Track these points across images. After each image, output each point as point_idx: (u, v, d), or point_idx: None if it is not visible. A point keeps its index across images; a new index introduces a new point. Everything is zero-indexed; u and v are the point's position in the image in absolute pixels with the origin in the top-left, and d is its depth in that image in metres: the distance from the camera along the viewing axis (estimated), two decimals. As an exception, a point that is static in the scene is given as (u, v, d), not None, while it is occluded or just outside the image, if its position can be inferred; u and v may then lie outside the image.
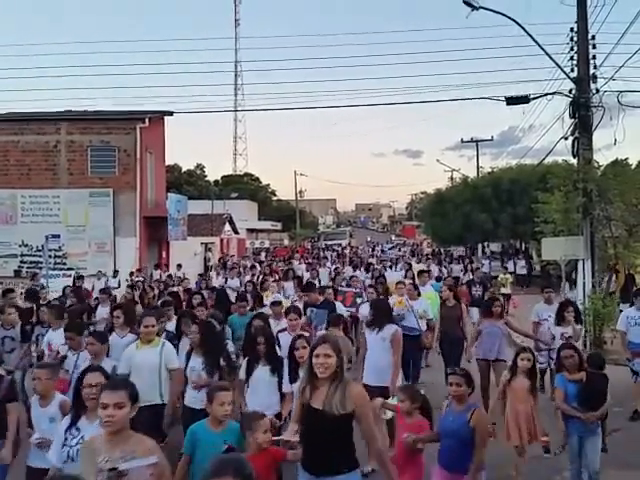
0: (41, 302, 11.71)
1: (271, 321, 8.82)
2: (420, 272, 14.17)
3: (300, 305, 10.69)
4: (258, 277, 19.11)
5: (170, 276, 21.88)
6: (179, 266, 25.39)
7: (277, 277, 19.93)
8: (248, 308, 10.55)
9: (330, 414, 4.21)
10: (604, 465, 6.67)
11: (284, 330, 8.22)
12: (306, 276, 19.57)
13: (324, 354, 4.28)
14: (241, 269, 23.04)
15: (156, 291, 16.10)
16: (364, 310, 10.44)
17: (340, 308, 10.81)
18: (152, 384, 6.76)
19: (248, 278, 18.67)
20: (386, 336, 7.67)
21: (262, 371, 6.62)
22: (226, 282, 18.45)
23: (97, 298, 13.66)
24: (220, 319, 8.53)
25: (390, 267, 23.96)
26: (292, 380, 6.19)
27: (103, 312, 11.69)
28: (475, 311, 15.57)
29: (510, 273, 26.14)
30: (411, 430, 5.37)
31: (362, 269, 23.49)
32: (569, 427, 6.41)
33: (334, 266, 25.50)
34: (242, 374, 6.74)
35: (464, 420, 5.22)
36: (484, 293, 16.44)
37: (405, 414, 5.50)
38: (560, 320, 9.44)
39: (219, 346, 7.14)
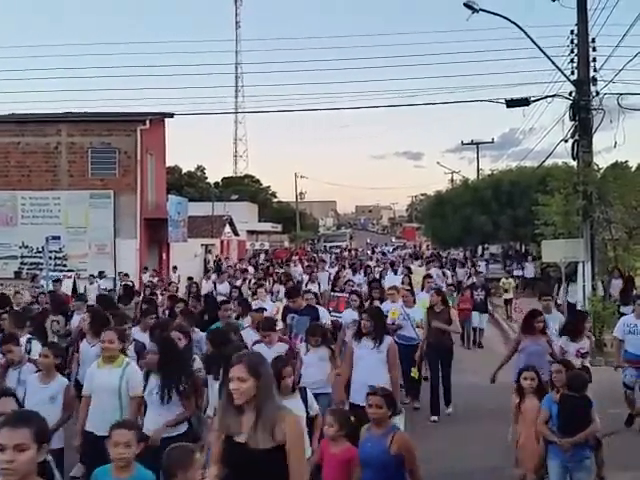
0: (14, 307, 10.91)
1: (250, 331, 8.31)
2: (424, 277, 13.75)
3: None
4: (250, 281, 18.12)
5: (161, 280, 21.18)
6: (174, 268, 25.02)
7: (272, 281, 19.33)
8: (235, 315, 9.77)
9: (255, 449, 3.50)
10: (606, 466, 6.68)
11: (260, 341, 7.48)
12: (305, 279, 19.02)
13: (237, 377, 3.53)
14: (235, 273, 21.97)
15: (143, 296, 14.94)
16: (347, 317, 10.05)
17: (324, 314, 9.98)
18: (112, 411, 5.81)
19: (239, 283, 17.73)
20: (382, 349, 7.02)
21: None
22: (215, 287, 17.60)
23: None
24: (186, 331, 7.35)
25: (394, 271, 22.30)
26: None
27: (77, 320, 10.21)
28: (476, 315, 15.66)
29: (517, 277, 25.87)
30: (338, 460, 4.82)
31: (361, 272, 22.73)
32: (550, 452, 5.86)
33: (334, 269, 24.82)
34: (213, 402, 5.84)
35: (384, 446, 4.67)
36: (486, 297, 16.30)
37: (330, 440, 4.91)
38: (575, 334, 8.26)
39: (179, 367, 6.06)
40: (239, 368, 3.58)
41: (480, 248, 39.31)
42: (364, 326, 7.18)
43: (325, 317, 9.90)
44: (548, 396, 6.03)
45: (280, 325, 9.52)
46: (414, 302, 10.46)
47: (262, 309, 9.40)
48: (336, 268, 24.92)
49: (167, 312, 11.36)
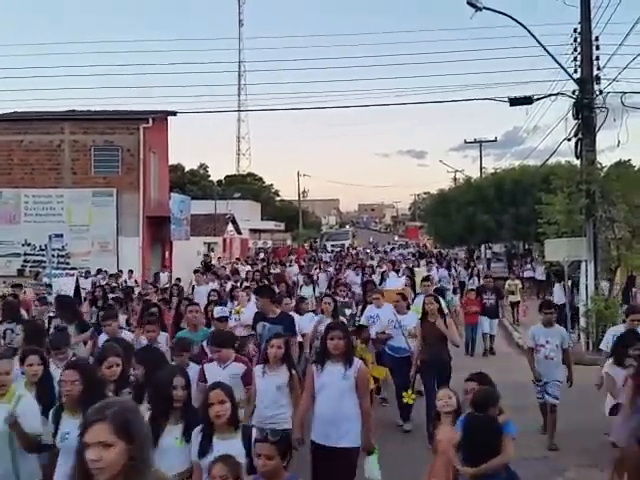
0: None
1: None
2: (422, 280, 12.48)
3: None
4: (241, 284, 15.94)
5: (146, 281, 19.77)
6: (164, 268, 23.81)
7: (268, 282, 17.33)
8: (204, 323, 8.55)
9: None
10: (609, 466, 6.67)
11: (212, 361, 6.14)
12: (300, 281, 17.93)
13: (99, 442, 2.45)
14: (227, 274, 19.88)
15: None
16: (306, 322, 9.06)
17: (305, 324, 9.06)
18: (1, 458, 4.58)
19: (229, 285, 15.75)
20: (350, 374, 5.42)
21: (170, 434, 4.47)
22: (193, 290, 15.61)
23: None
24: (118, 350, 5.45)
25: (396, 271, 20.52)
26: (202, 452, 4.27)
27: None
28: (486, 321, 14.67)
29: (526, 279, 25.30)
30: None
31: (359, 273, 21.14)
32: None
33: (331, 269, 24.00)
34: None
35: None
36: (497, 301, 15.17)
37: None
38: (621, 358, 6.69)
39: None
40: (100, 428, 2.45)
41: (483, 247, 39.24)
42: (335, 347, 5.40)
43: (306, 327, 8.99)
44: (461, 417, 5.13)
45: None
46: (407, 308, 9.39)
47: (224, 318, 7.69)
48: (333, 270, 24.04)
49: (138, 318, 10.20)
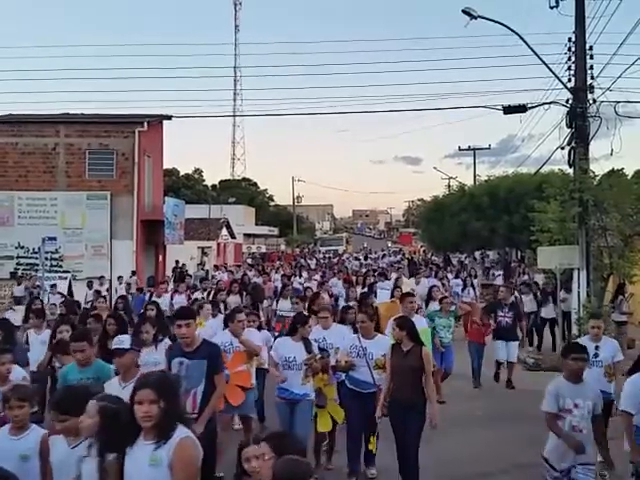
0: None
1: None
2: (404, 295, 10.07)
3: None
4: (209, 293, 14.45)
5: (98, 292, 17.56)
6: (133, 273, 22.30)
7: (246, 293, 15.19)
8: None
9: None
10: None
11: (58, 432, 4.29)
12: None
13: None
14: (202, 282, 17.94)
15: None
16: (273, 353, 7.20)
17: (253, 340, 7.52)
18: None
19: (198, 295, 14.39)
20: (164, 455, 3.51)
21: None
22: (150, 298, 13.99)
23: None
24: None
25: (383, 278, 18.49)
26: None
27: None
28: (501, 345, 11.85)
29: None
30: None
31: (340, 281, 19.12)
32: None
33: (305, 279, 21.15)
34: None
35: None
36: (515, 320, 12.12)
37: None
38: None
39: None
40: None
41: (477, 254, 39.35)
42: (144, 414, 3.49)
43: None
44: None
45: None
46: (376, 330, 7.26)
47: (122, 350, 5.60)
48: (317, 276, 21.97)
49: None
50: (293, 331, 7.11)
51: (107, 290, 19.85)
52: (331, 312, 8.35)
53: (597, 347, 7.23)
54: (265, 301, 15.72)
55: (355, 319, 7.98)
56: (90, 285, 19.96)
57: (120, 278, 21.52)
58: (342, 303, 13.45)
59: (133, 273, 22.86)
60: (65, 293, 17.95)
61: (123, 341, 5.69)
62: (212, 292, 14.31)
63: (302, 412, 6.84)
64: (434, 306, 11.78)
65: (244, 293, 14.50)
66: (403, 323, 6.84)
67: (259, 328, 8.46)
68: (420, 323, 8.53)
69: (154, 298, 14.02)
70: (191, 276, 20.61)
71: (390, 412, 6.64)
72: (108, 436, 3.65)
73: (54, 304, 12.66)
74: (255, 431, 7.25)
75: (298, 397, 6.86)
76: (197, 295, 14.28)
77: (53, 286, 18.17)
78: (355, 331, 7.57)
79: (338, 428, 7.34)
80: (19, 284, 19.76)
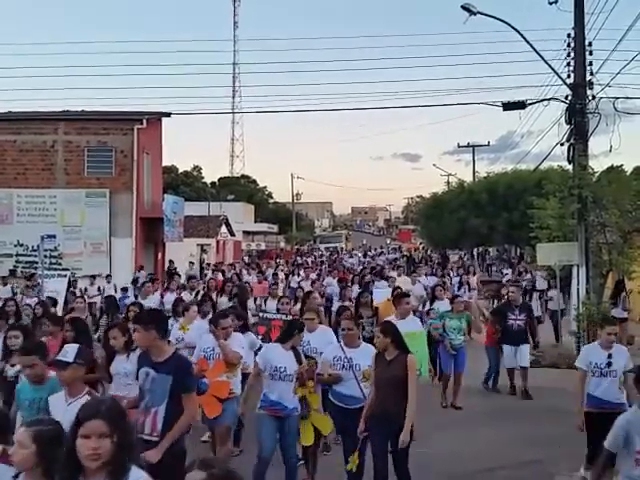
0: None
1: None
2: (398, 296, 9.15)
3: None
4: (197, 293, 13.56)
5: (73, 292, 17.29)
6: (108, 277, 21.21)
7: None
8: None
9: None
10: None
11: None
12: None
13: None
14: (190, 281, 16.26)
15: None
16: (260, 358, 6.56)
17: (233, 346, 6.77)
18: None
19: (186, 295, 13.18)
20: None
21: None
22: (136, 300, 13.00)
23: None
24: None
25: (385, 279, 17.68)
26: None
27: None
28: (510, 351, 10.84)
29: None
30: None
31: (333, 280, 18.70)
32: None
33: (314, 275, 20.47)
34: None
35: None
36: (531, 324, 11.17)
37: None
38: None
39: None
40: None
41: (476, 250, 39.33)
42: (89, 454, 2.85)
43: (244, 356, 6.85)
44: None
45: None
46: (360, 338, 6.63)
47: (63, 363, 4.73)
48: (313, 275, 21.17)
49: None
50: (287, 338, 6.45)
51: (98, 289, 19.48)
52: (318, 313, 7.75)
53: (610, 355, 6.52)
54: (256, 301, 14.27)
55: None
56: (109, 279, 20.11)
57: (109, 277, 20.81)
58: (337, 303, 12.64)
59: (141, 268, 22.78)
60: (64, 292, 17.78)
61: (67, 352, 4.80)
62: (200, 292, 13.52)
63: (292, 427, 6.31)
64: (442, 306, 11.09)
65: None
66: (387, 329, 6.06)
67: (244, 329, 7.63)
68: (415, 325, 8.16)
69: (140, 299, 13.16)
70: (180, 275, 19.67)
71: (371, 428, 5.91)
72: (50, 467, 3.09)
73: (29, 305, 11.92)
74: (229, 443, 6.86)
75: (288, 411, 6.24)
76: (184, 295, 13.04)
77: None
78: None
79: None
80: (5, 284, 18.91)
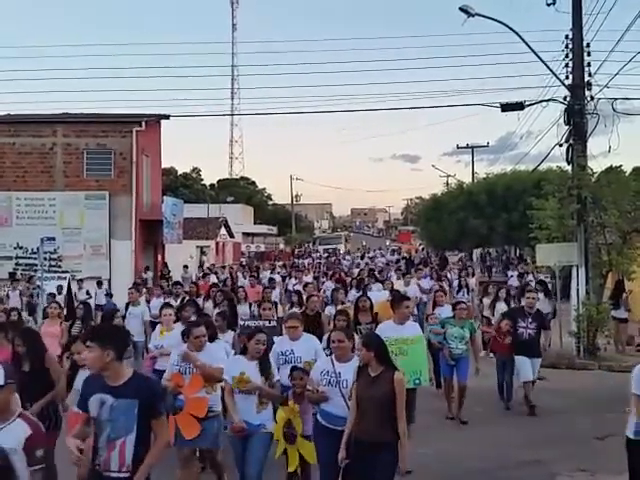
0: None
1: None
2: (396, 300, 8.05)
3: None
4: (183, 299, 12.42)
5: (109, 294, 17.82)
6: (147, 268, 20.81)
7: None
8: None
9: None
10: (600, 471, 6.70)
11: None
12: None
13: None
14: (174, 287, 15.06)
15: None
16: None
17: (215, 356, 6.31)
18: None
19: (172, 301, 11.90)
20: None
21: None
22: (127, 309, 12.17)
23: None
24: None
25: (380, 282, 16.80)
26: None
27: None
28: (523, 362, 9.65)
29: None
30: None
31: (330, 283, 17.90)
32: None
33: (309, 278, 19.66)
34: None
35: None
36: (539, 332, 9.91)
37: None
38: None
39: None
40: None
41: (477, 251, 39.29)
42: None
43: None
44: None
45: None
46: (353, 350, 5.76)
47: None
48: (309, 277, 20.41)
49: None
50: (244, 348, 5.98)
51: (87, 293, 18.84)
52: (302, 321, 7.03)
53: None
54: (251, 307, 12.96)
55: (346, 327, 7.07)
56: (100, 284, 19.72)
57: (100, 284, 20.03)
58: (331, 307, 11.47)
59: (147, 269, 22.61)
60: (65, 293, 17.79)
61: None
62: (186, 298, 12.65)
63: (256, 447, 5.69)
64: (443, 312, 10.45)
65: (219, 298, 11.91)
66: (370, 341, 5.33)
67: (211, 340, 6.82)
68: (414, 330, 7.57)
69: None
70: (167, 279, 18.77)
71: (352, 454, 5.17)
72: None
73: (15, 308, 11.74)
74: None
75: (252, 429, 5.70)
76: (170, 301, 11.89)
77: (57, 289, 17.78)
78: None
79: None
80: (14, 289, 18.45)
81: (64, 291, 17.90)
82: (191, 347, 6.31)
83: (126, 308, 12.15)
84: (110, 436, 4.12)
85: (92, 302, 16.58)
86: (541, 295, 13.81)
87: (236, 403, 5.78)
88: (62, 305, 11.69)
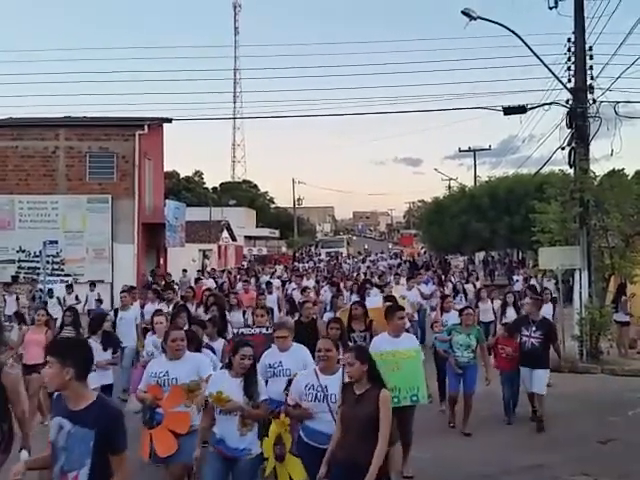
0: None
1: None
2: (389, 310, 7.38)
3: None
4: (176, 305, 11.50)
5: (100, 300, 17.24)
6: (92, 285, 19.18)
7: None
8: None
9: None
10: (603, 475, 6.68)
11: None
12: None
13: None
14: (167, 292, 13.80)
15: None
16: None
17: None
18: None
19: (163, 307, 11.41)
20: None
21: None
22: (116, 315, 11.35)
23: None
24: None
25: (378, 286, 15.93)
26: None
27: None
28: (527, 373, 9.13)
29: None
30: None
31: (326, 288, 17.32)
32: None
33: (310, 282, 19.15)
34: None
35: None
36: (547, 341, 9.23)
37: None
38: None
39: None
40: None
41: (480, 255, 39.19)
42: None
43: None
44: None
45: None
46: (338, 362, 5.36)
47: None
48: (311, 281, 20.00)
49: None
50: (229, 363, 5.38)
51: (76, 298, 17.76)
52: (292, 330, 6.55)
53: None
54: (245, 314, 12.54)
55: (340, 336, 6.69)
56: (92, 287, 19.11)
57: (92, 286, 18.97)
58: (329, 313, 11.10)
59: (152, 272, 22.55)
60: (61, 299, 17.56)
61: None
62: (177, 303, 11.95)
63: (243, 473, 5.15)
64: (451, 318, 9.98)
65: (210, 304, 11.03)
66: (365, 355, 4.93)
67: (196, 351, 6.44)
68: (410, 343, 7.08)
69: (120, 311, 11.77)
70: (158, 284, 17.85)
71: (332, 473, 4.80)
72: None
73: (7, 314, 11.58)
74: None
75: (236, 454, 5.13)
76: (162, 307, 11.43)
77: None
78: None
79: None
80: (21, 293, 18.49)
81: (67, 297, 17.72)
82: (169, 354, 5.79)
83: (115, 314, 11.43)
84: (63, 467, 3.58)
85: (80, 307, 15.85)
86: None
87: (217, 420, 5.20)
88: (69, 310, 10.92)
